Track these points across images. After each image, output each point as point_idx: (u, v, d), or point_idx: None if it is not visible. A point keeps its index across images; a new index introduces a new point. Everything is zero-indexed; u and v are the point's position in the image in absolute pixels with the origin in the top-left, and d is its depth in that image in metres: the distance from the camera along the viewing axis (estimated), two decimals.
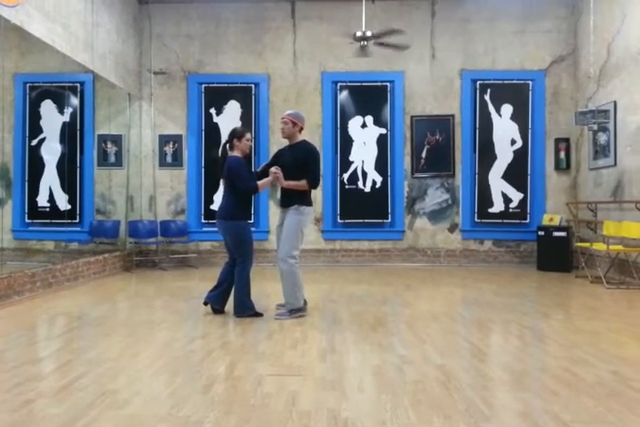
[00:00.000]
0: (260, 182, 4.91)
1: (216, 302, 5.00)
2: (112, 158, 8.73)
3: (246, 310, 4.87)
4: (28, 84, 7.61)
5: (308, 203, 4.94)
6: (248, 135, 4.98)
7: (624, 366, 3.36)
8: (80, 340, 4.23)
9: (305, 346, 3.89)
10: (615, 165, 7.65)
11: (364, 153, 9.08)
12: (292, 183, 4.88)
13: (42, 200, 7.65)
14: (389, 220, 9.07)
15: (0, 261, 6.04)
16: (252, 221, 5.11)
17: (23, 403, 2.71)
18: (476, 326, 4.71)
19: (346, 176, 9.07)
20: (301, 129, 5.00)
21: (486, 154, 9.02)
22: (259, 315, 4.88)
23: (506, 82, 9.01)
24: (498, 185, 9.01)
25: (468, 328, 4.66)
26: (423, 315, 4.99)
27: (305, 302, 5.00)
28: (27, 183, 7.59)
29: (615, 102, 7.61)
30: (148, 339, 4.10)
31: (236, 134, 4.92)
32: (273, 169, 4.92)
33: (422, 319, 4.79)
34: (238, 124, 8.99)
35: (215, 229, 8.78)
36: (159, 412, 2.60)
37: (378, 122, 9.10)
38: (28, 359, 3.54)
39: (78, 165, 8.00)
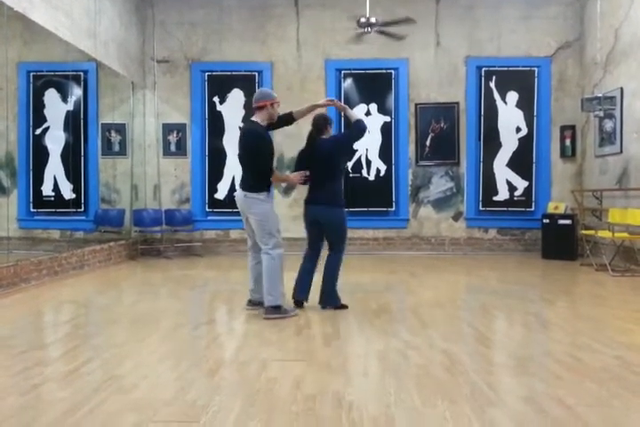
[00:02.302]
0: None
1: (302, 293, 4.69)
2: (116, 147, 8.72)
3: (336, 301, 4.66)
4: (31, 73, 7.58)
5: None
6: None
7: (628, 352, 3.36)
8: (86, 326, 4.27)
9: (309, 332, 3.91)
10: (621, 152, 7.60)
11: (368, 141, 8.98)
12: None
13: (47, 189, 7.66)
14: (394, 208, 9.05)
15: (6, 249, 6.07)
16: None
17: (31, 387, 2.74)
18: (480, 312, 4.72)
19: (350, 164, 9.03)
20: (256, 107, 4.42)
21: (491, 142, 8.97)
22: (344, 307, 4.63)
23: (511, 69, 8.92)
24: (503, 173, 8.96)
25: (473, 315, 4.67)
26: (427, 302, 5.00)
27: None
28: (31, 172, 7.59)
29: (622, 89, 7.54)
30: (154, 325, 4.12)
31: (328, 121, 4.65)
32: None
33: (426, 306, 4.79)
34: (242, 112, 8.96)
35: (220, 217, 8.99)
36: (165, 396, 2.62)
37: (382, 110, 9.05)
38: (35, 345, 3.58)
39: (82, 154, 8.00)
